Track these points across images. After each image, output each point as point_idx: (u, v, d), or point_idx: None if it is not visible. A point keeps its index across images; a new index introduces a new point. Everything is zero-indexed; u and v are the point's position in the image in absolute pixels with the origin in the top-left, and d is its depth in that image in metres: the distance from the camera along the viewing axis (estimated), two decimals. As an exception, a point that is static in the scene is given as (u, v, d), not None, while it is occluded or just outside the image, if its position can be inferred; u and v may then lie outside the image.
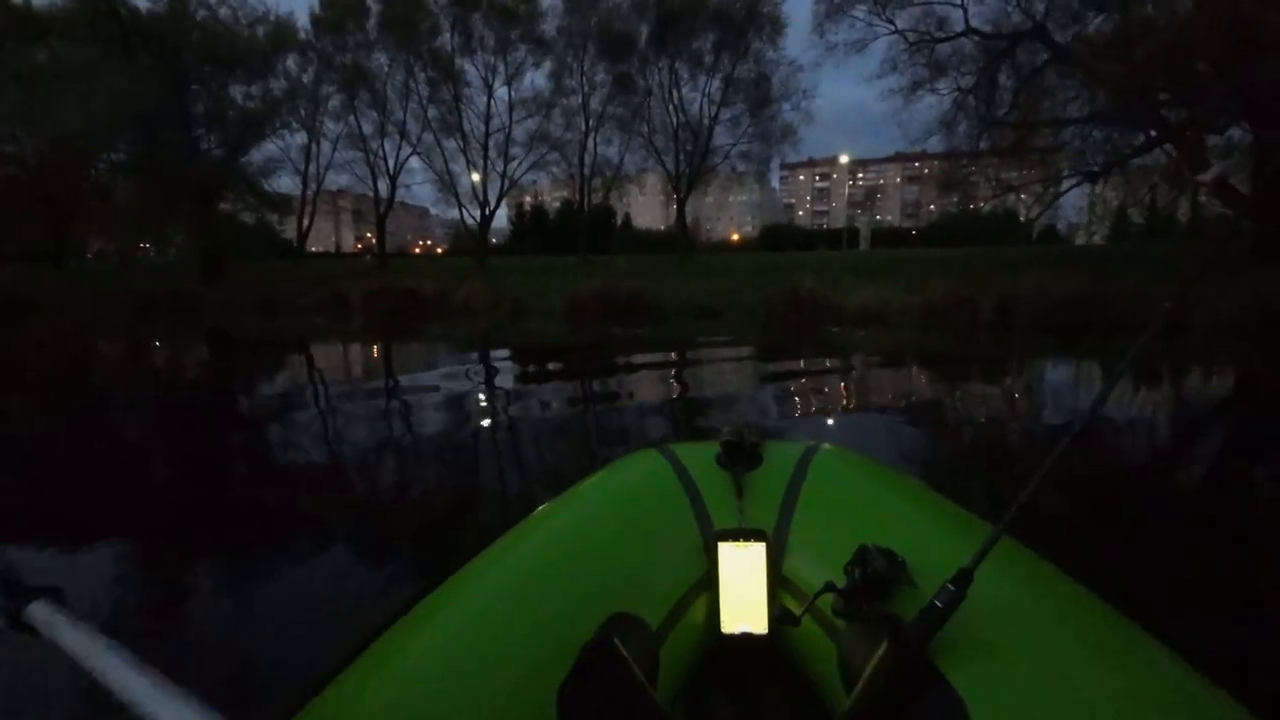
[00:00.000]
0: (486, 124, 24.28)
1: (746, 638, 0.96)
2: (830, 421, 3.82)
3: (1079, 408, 4.13)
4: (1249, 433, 3.62)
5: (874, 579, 0.75)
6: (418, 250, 78.99)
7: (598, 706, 0.73)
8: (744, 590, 0.95)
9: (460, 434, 3.61)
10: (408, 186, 26.24)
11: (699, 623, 0.97)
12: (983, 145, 16.44)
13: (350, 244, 77.84)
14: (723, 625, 0.97)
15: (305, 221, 26.43)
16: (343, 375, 6.35)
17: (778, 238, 36.57)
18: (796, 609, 0.81)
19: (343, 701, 0.69)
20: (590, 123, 24.08)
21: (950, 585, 0.65)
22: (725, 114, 23.56)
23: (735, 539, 0.96)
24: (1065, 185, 14.39)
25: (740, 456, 1.10)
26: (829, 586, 0.75)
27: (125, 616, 1.67)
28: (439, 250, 65.95)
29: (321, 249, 65.36)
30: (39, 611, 0.54)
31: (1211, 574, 1.80)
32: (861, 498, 1.03)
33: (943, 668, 0.67)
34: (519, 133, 24.41)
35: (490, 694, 0.70)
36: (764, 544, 0.95)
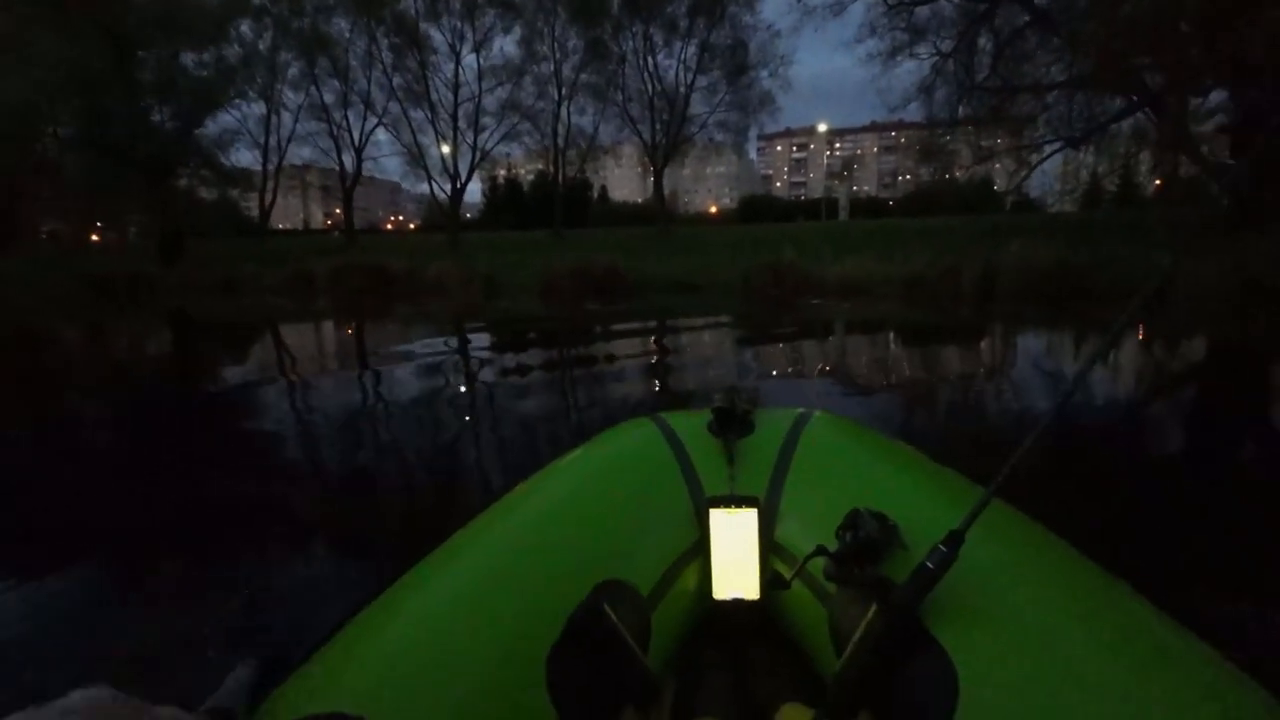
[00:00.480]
0: (455, 93, 23.40)
1: (738, 603, 0.96)
2: (816, 396, 3.68)
3: (1066, 376, 4.16)
4: (1230, 401, 3.64)
5: (865, 542, 0.74)
6: (389, 226, 77.01)
7: (588, 672, 0.73)
8: (735, 556, 0.95)
9: (434, 418, 3.42)
10: (374, 159, 25.27)
11: (690, 589, 0.97)
12: (962, 112, 16.24)
13: (320, 221, 75.64)
14: (714, 591, 0.97)
15: (268, 197, 25.46)
16: (304, 360, 5.98)
17: (756, 209, 36.26)
18: (788, 574, 0.80)
19: (330, 670, 0.69)
20: (563, 91, 23.35)
21: (941, 547, 0.65)
22: (701, 81, 23.01)
23: (727, 505, 0.95)
24: (1047, 151, 14.25)
25: (732, 423, 1.09)
26: (820, 550, 0.75)
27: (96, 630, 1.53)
28: (411, 226, 64.30)
29: (290, 226, 63.40)
30: None
31: (1196, 536, 1.82)
32: (853, 463, 1.03)
33: (933, 629, 0.68)
34: (489, 102, 23.61)
35: (479, 661, 0.69)
36: (755, 510, 0.95)
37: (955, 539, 0.65)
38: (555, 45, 22.72)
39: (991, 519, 0.70)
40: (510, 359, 5.50)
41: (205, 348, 7.21)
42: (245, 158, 23.53)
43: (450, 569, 0.85)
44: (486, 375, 4.69)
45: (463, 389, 4.15)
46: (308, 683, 0.67)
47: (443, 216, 25.72)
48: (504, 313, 9.16)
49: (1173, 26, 10.84)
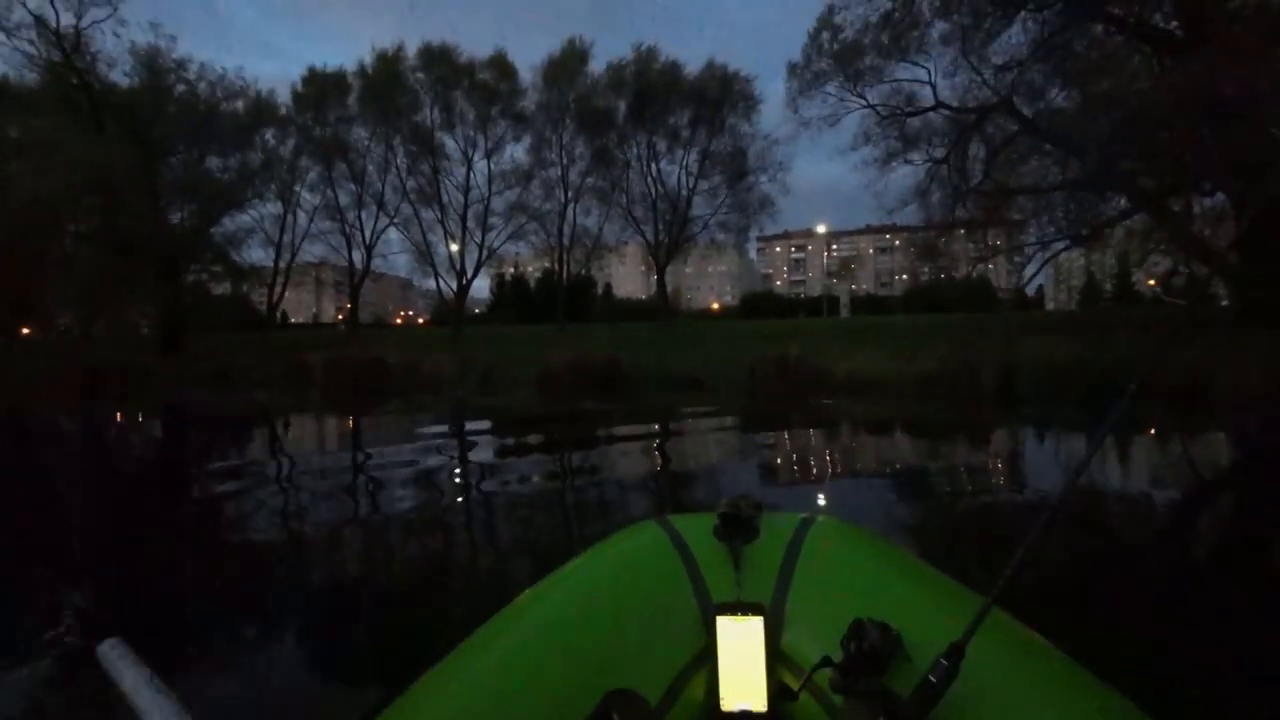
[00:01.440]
0: (465, 195, 24.33)
1: (746, 716, 0.93)
2: (845, 511, 3.13)
3: (1099, 478, 3.81)
4: (1244, 503, 3.58)
5: (869, 653, 0.74)
6: (400, 320, 78.40)
7: None
8: (742, 665, 0.93)
9: (400, 529, 3.14)
10: (384, 256, 25.99)
11: (698, 699, 0.95)
12: (959, 214, 16.59)
13: (331, 315, 77.37)
14: (722, 703, 0.94)
15: (278, 291, 25.86)
16: (264, 458, 5.48)
17: (758, 305, 36.73)
18: (794, 684, 0.81)
19: None
20: (569, 194, 24.26)
21: (943, 660, 0.66)
22: (703, 185, 23.94)
23: (733, 612, 0.94)
24: (1052, 250, 14.27)
25: (737, 528, 1.08)
26: (825, 661, 0.75)
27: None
28: (420, 320, 65.45)
29: (302, 320, 64.60)
30: (108, 649, 0.56)
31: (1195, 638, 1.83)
32: (857, 570, 1.03)
33: None
34: (498, 204, 24.51)
35: None
36: (761, 617, 0.93)
37: (957, 651, 0.66)
38: (563, 152, 23.87)
39: (992, 628, 0.71)
40: (496, 465, 4.98)
41: (165, 439, 6.73)
42: (258, 254, 24.10)
43: (458, 678, 0.85)
44: (462, 488, 4.17)
45: (432, 507, 3.63)
46: None
47: (449, 311, 25.99)
48: (499, 411, 8.72)
49: (1153, 136, 11.13)
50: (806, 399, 8.79)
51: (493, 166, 24.21)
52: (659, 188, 23.86)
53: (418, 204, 24.14)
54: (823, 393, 9.27)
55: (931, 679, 0.65)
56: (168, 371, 15.56)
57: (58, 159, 15.33)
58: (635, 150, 23.69)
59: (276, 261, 25.16)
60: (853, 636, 0.76)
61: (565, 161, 23.95)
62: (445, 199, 24.08)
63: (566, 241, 24.90)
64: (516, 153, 24.36)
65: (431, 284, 25.14)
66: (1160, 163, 11.58)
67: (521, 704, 0.78)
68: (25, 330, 21.25)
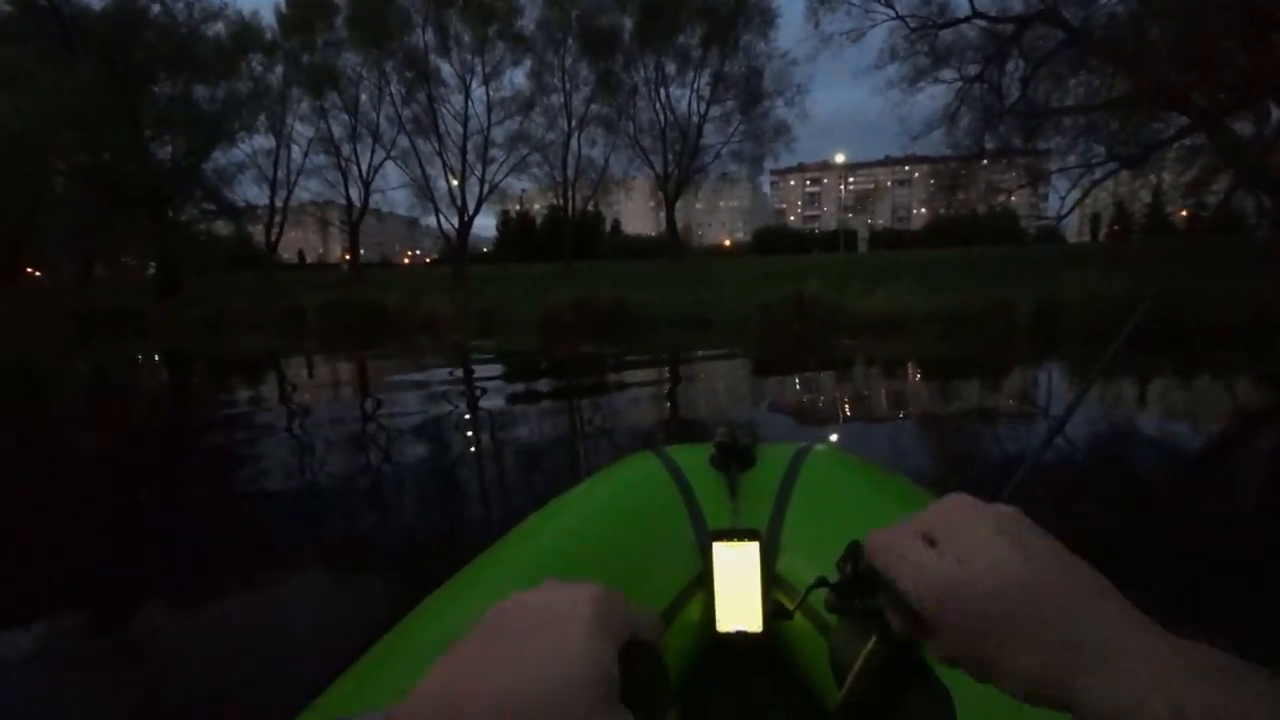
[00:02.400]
0: (465, 125, 23.08)
1: (741, 636, 0.96)
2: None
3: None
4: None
5: (865, 574, 0.65)
6: (407, 260, 77.33)
7: None
8: (738, 589, 0.95)
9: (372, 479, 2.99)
10: (383, 192, 25.07)
11: (694, 622, 0.96)
12: (988, 140, 15.43)
13: (338, 255, 76.48)
14: (718, 624, 0.97)
15: (275, 231, 25.12)
16: (241, 401, 5.04)
17: (771, 241, 35.32)
18: (789, 605, 0.80)
19: (343, 700, 0.70)
20: (573, 122, 22.93)
21: None
22: (715, 111, 22.49)
23: (729, 538, 0.96)
24: (1099, 174, 13.16)
25: (733, 457, 1.10)
26: (821, 582, 0.69)
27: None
28: (428, 260, 64.51)
29: (311, 261, 63.79)
30: None
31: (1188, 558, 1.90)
32: (853, 495, 1.04)
33: (932, 662, 0.60)
34: (498, 134, 23.27)
35: None
36: (757, 543, 0.95)
37: None
38: (565, 77, 22.40)
39: None
40: (486, 417, 4.49)
41: (145, 384, 6.31)
42: (255, 193, 23.22)
43: (457, 604, 0.85)
44: (451, 430, 3.69)
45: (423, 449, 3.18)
46: (317, 715, 0.67)
47: (453, 250, 25.21)
48: (493, 356, 8.21)
49: (1215, 45, 9.94)
50: (824, 339, 8.19)
51: (492, 94, 22.85)
52: (668, 115, 22.47)
53: (414, 135, 22.98)
54: (842, 333, 8.65)
55: None
56: (161, 316, 15.16)
57: (26, 88, 14.44)
58: (643, 74, 22.17)
59: (272, 199, 24.33)
60: (849, 558, 0.67)
61: (568, 87, 22.53)
62: (443, 129, 22.87)
63: (571, 174, 23.76)
64: (516, 78, 22.95)
65: (448, 224, 24.22)
66: (1222, 76, 10.41)
67: None
68: (27, 273, 20.80)
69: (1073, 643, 0.25)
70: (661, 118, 22.44)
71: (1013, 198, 16.89)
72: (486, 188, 23.73)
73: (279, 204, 24.49)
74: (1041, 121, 14.54)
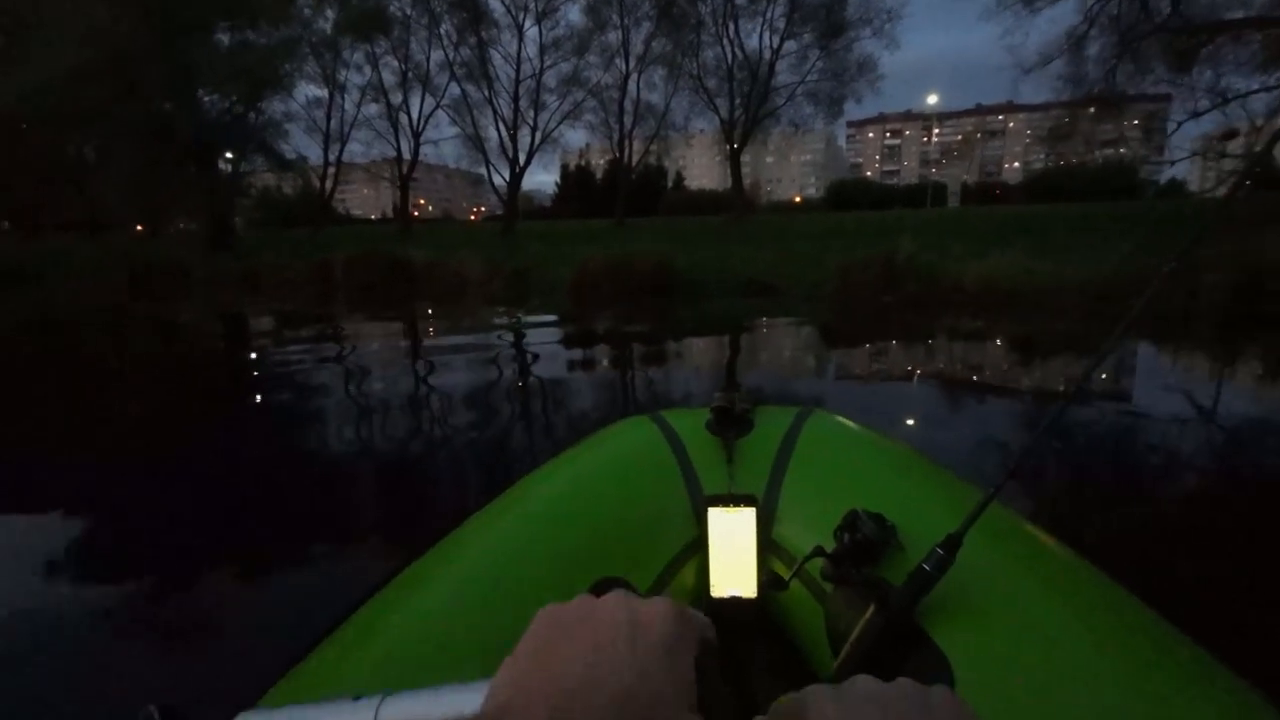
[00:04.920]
0: (517, 69, 21.55)
1: (735, 602, 0.95)
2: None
3: None
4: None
5: (863, 543, 0.74)
6: (473, 217, 77.37)
7: None
8: (733, 555, 0.94)
9: None
10: (435, 144, 24.14)
11: (688, 587, 0.95)
12: (1120, 73, 12.66)
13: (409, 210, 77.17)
14: (712, 590, 0.96)
15: (330, 185, 24.69)
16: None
17: (847, 195, 32.15)
18: (785, 573, 0.81)
19: (329, 662, 0.69)
20: (631, 63, 20.97)
21: (939, 550, 0.65)
22: (789, 47, 19.96)
23: (725, 504, 0.95)
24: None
25: (731, 422, 1.07)
26: (818, 551, 0.76)
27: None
28: (486, 218, 64.07)
29: (376, 216, 64.72)
30: None
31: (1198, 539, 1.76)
32: (852, 462, 1.01)
33: (929, 630, 0.68)
34: (551, 77, 21.60)
35: (478, 655, 0.68)
36: (754, 509, 0.94)
37: (954, 542, 0.65)
38: (624, 11, 20.34)
39: (990, 522, 0.69)
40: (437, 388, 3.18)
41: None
42: (309, 148, 22.63)
43: (450, 564, 0.84)
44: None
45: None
46: (308, 675, 0.66)
47: (523, 205, 24.05)
48: (510, 318, 6.89)
49: None
50: (925, 314, 6.42)
51: (545, 33, 21.13)
52: (736, 52, 20.12)
53: (465, 82, 21.65)
54: (947, 307, 6.82)
55: (925, 567, 0.64)
56: (205, 271, 14.77)
57: (67, 32, 13.96)
58: (709, 4, 19.82)
59: (326, 152, 23.78)
60: (846, 527, 0.75)
61: (626, 22, 20.50)
62: (493, 73, 21.41)
63: (629, 123, 21.92)
64: (571, 15, 21.08)
65: (500, 178, 22.98)
66: None
67: (512, 592, 0.77)
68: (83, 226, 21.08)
69: None
70: (729, 55, 20.14)
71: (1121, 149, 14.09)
72: (539, 137, 22.28)
73: (332, 158, 23.96)
74: (1198, 42, 11.69)
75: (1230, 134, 12.69)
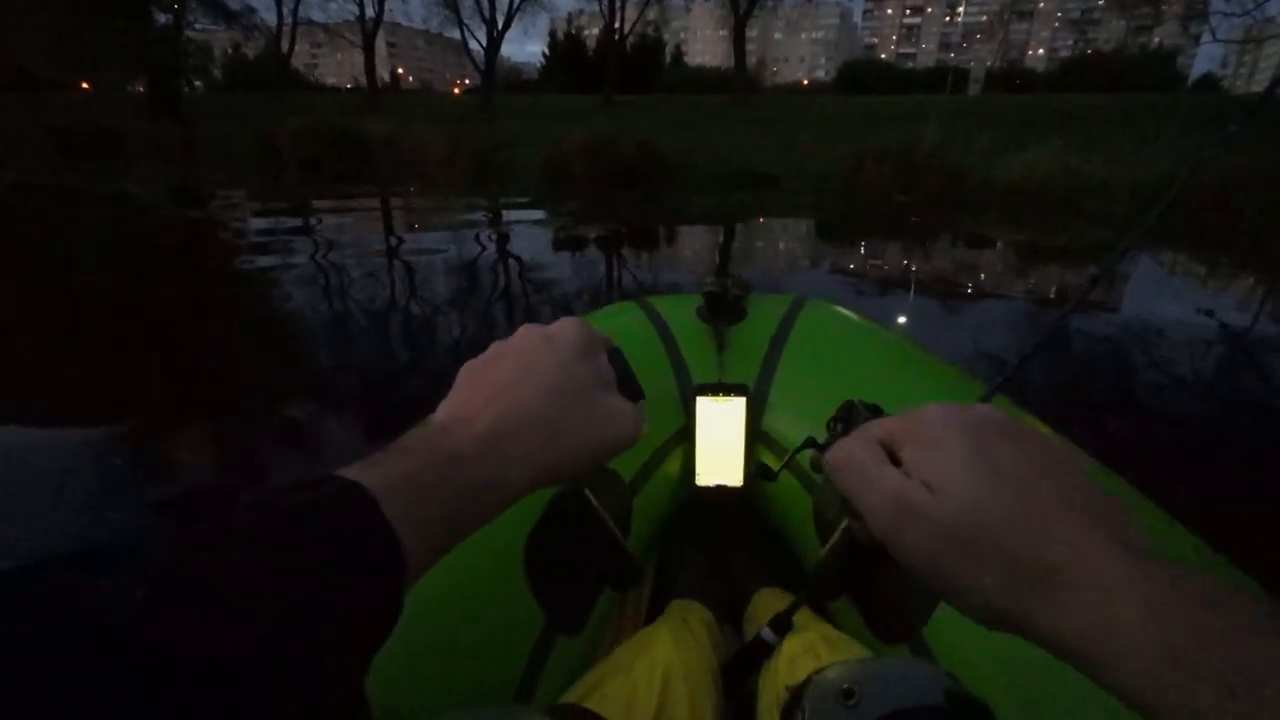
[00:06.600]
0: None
1: (721, 490, 0.95)
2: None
3: None
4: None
5: None
6: (456, 90, 71.63)
7: (567, 553, 0.72)
8: (721, 444, 0.93)
9: None
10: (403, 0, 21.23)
11: (673, 475, 0.94)
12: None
13: (382, 80, 71.54)
14: (698, 478, 0.95)
15: (285, 44, 22.08)
16: None
17: (860, 78, 29.39)
18: (774, 463, 0.73)
19: None
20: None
21: None
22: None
23: (714, 393, 0.92)
24: None
25: (723, 309, 1.02)
26: (809, 441, 0.69)
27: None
28: (460, 89, 59.04)
29: (352, 86, 59.58)
30: None
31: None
32: (848, 352, 0.97)
33: None
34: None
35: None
36: (744, 398, 0.91)
37: None
38: None
39: None
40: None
41: None
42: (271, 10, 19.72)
43: None
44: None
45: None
46: None
47: (503, 78, 21.71)
48: (457, 206, 5.91)
49: None
50: (949, 217, 5.51)
51: None
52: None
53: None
54: (972, 209, 5.88)
55: None
56: (145, 140, 13.18)
57: None
58: None
59: (279, 3, 21.01)
60: (841, 417, 0.68)
61: None
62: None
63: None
64: None
65: (477, 44, 20.44)
66: None
67: None
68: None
69: (1027, 566, 0.23)
70: (739, -101, 17.35)
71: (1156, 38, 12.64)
72: (519, -4, 19.69)
73: (288, 14, 21.20)
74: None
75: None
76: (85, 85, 18.68)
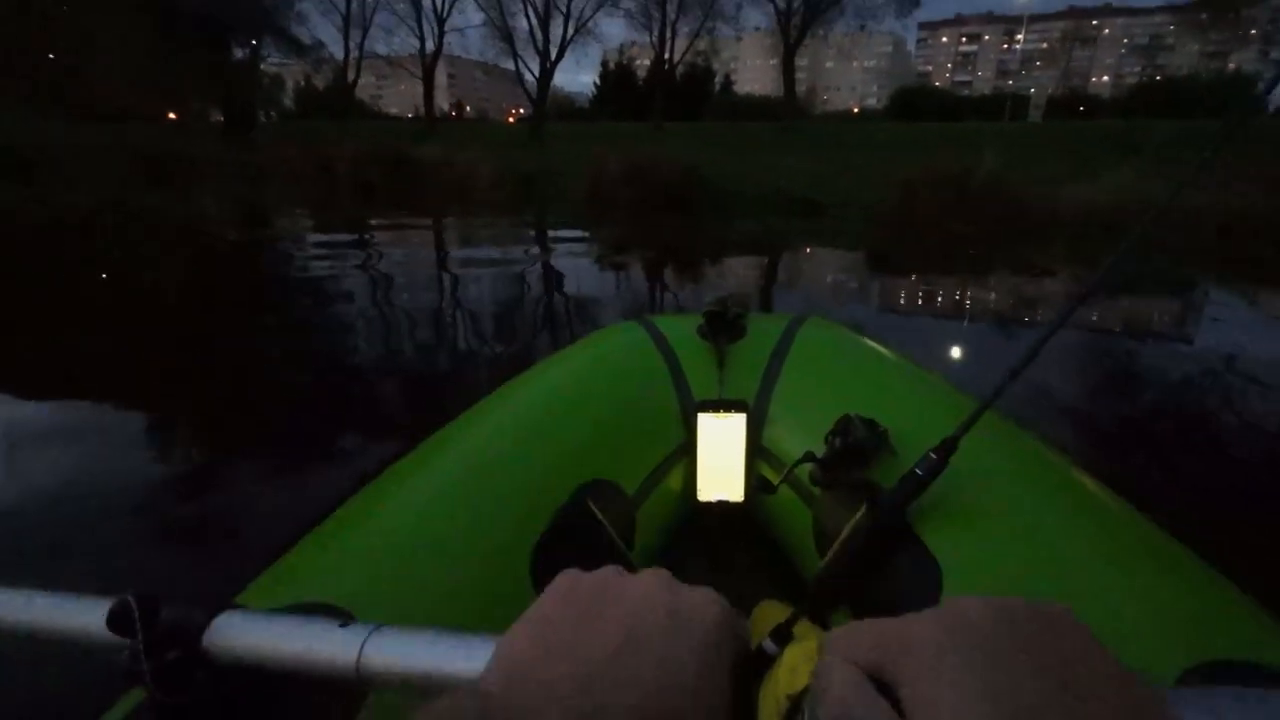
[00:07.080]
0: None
1: (723, 505, 0.96)
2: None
3: None
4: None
5: (854, 447, 0.73)
6: (511, 119, 73.90)
7: (572, 564, 0.65)
8: (722, 459, 0.94)
9: None
10: (461, 31, 22.21)
11: (676, 490, 0.95)
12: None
13: (444, 111, 74.56)
14: (699, 493, 0.97)
15: (351, 74, 23.21)
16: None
17: (913, 105, 28.82)
18: (774, 478, 0.81)
19: (312, 560, 0.67)
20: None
21: (932, 454, 0.64)
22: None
23: (715, 409, 0.94)
24: None
25: (723, 327, 1.06)
26: (808, 456, 0.75)
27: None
28: (515, 119, 60.84)
29: (413, 115, 62.27)
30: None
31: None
32: (845, 368, 0.99)
33: (919, 531, 0.68)
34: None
35: (464, 551, 0.68)
36: (744, 415, 0.93)
37: (947, 447, 0.63)
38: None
39: (987, 429, 0.68)
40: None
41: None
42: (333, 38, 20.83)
43: (436, 463, 0.83)
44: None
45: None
46: (289, 572, 0.65)
47: (555, 108, 22.33)
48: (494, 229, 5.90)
49: None
50: (1011, 248, 5.18)
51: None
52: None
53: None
54: (1032, 240, 5.52)
55: (918, 471, 0.64)
56: (213, 164, 13.97)
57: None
58: None
59: (346, 35, 22.15)
60: (839, 432, 0.74)
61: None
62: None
63: (671, 9, 19.61)
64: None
65: (530, 75, 21.11)
66: None
67: (501, 490, 0.75)
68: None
69: None
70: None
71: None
72: (572, 27, 20.20)
73: (354, 46, 22.34)
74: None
75: None
76: (172, 116, 20.07)
